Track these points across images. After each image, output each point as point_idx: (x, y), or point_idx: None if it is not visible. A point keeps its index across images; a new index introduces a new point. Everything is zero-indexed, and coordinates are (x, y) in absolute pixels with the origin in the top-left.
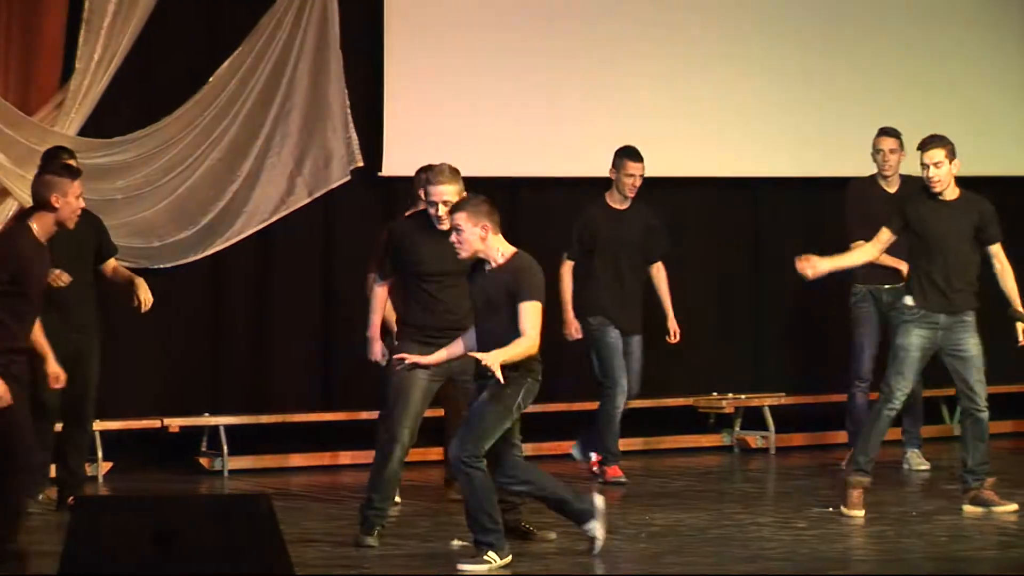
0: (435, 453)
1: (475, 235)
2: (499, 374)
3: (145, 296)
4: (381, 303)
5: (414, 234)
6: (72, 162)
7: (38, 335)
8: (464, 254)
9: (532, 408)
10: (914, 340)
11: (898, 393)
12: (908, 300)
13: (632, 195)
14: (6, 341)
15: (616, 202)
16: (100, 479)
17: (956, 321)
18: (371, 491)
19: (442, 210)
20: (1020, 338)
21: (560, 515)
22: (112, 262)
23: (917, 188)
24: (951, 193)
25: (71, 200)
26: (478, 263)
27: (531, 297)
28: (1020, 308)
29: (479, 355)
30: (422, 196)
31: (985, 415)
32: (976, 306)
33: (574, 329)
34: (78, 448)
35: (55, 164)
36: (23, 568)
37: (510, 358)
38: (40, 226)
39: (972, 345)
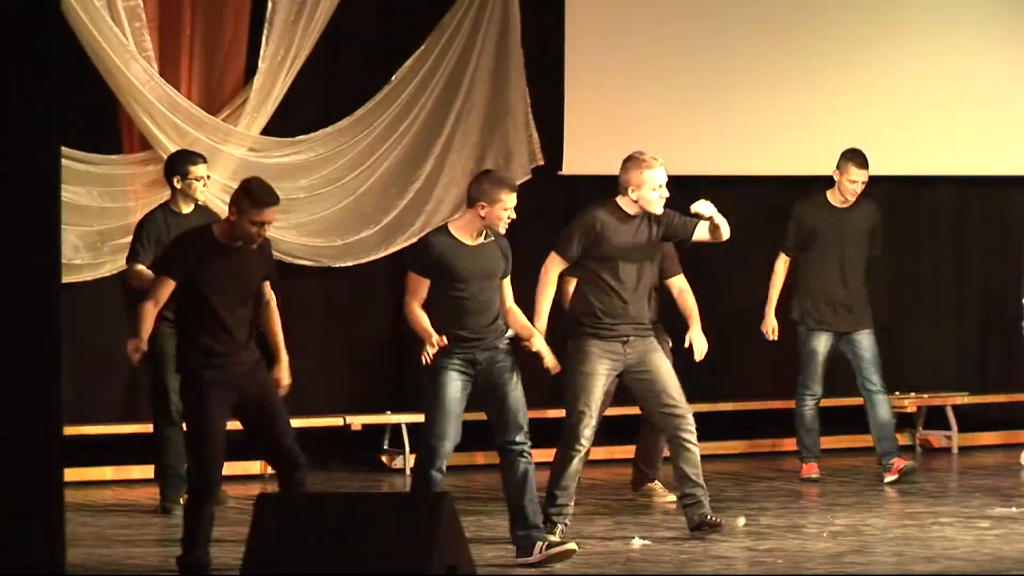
0: (622, 451)
1: None
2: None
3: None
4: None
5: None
6: (202, 164)
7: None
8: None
9: (735, 405)
10: None
11: None
12: None
13: (852, 199)
14: (214, 345)
15: (837, 200)
16: (266, 474)
17: None
18: (553, 488)
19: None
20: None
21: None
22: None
23: None
24: None
25: (245, 224)
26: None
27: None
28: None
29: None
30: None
31: None
32: None
33: (771, 329)
34: None
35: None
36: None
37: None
38: (220, 232)
39: None
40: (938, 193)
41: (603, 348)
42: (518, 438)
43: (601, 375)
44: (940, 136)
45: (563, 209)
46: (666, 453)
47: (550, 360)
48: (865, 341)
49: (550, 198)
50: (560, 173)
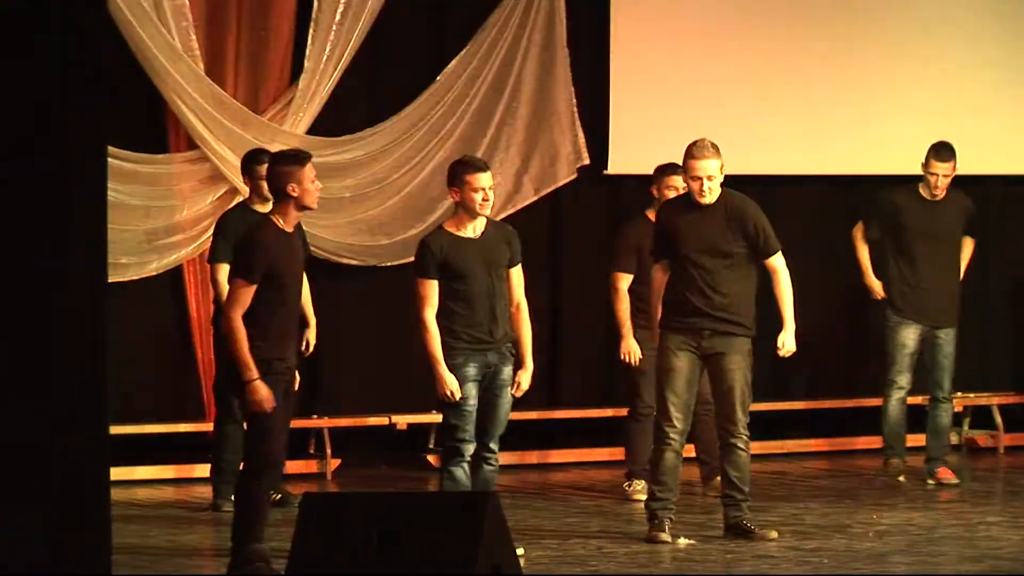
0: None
1: None
2: None
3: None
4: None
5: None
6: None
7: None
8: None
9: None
10: None
11: None
12: None
13: (940, 193)
14: (267, 340)
15: (927, 193)
16: (329, 476)
17: None
18: (652, 484)
19: (706, 185)
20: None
21: None
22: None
23: None
24: None
25: (307, 185)
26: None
27: None
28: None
29: None
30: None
31: None
32: None
33: (878, 288)
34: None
35: (282, 155)
36: (270, 568)
37: None
38: (284, 217)
39: None
40: (987, 191)
41: (681, 341)
42: (491, 444)
43: (682, 369)
44: (988, 136)
45: (608, 209)
46: None
47: (522, 389)
48: (946, 341)
49: (595, 198)
50: (605, 173)
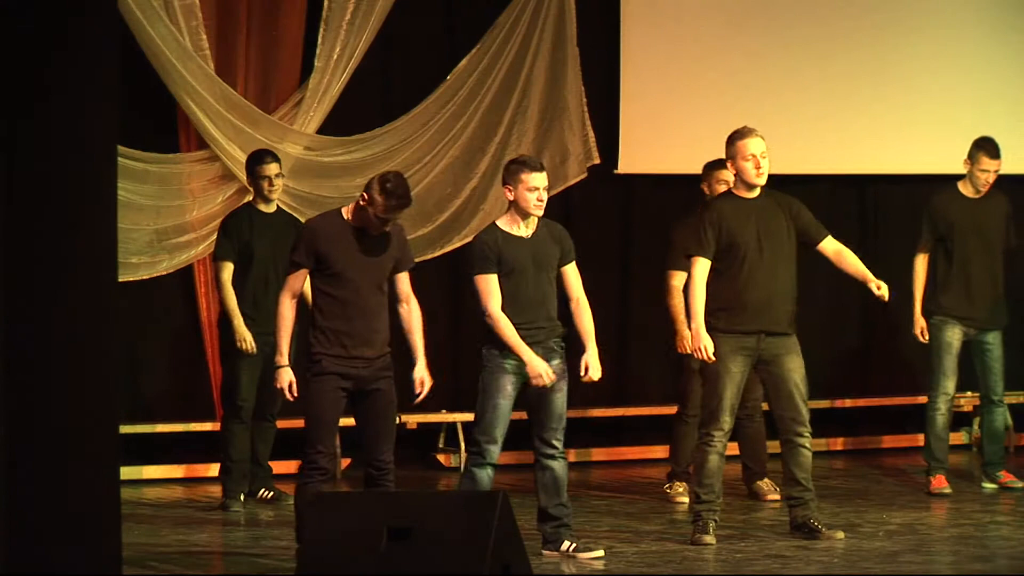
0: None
1: None
2: None
3: None
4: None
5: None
6: (271, 163)
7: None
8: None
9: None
10: None
11: None
12: None
13: (985, 190)
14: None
15: (970, 192)
16: (338, 475)
17: None
18: (696, 487)
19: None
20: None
21: None
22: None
23: None
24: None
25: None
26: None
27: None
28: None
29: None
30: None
31: None
32: None
33: (921, 330)
34: (266, 442)
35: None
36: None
37: None
38: (350, 212)
39: None
40: (1016, 191)
41: (735, 343)
42: (553, 441)
43: (735, 372)
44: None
45: (618, 208)
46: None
47: (595, 372)
48: (995, 344)
49: (605, 197)
50: (616, 172)
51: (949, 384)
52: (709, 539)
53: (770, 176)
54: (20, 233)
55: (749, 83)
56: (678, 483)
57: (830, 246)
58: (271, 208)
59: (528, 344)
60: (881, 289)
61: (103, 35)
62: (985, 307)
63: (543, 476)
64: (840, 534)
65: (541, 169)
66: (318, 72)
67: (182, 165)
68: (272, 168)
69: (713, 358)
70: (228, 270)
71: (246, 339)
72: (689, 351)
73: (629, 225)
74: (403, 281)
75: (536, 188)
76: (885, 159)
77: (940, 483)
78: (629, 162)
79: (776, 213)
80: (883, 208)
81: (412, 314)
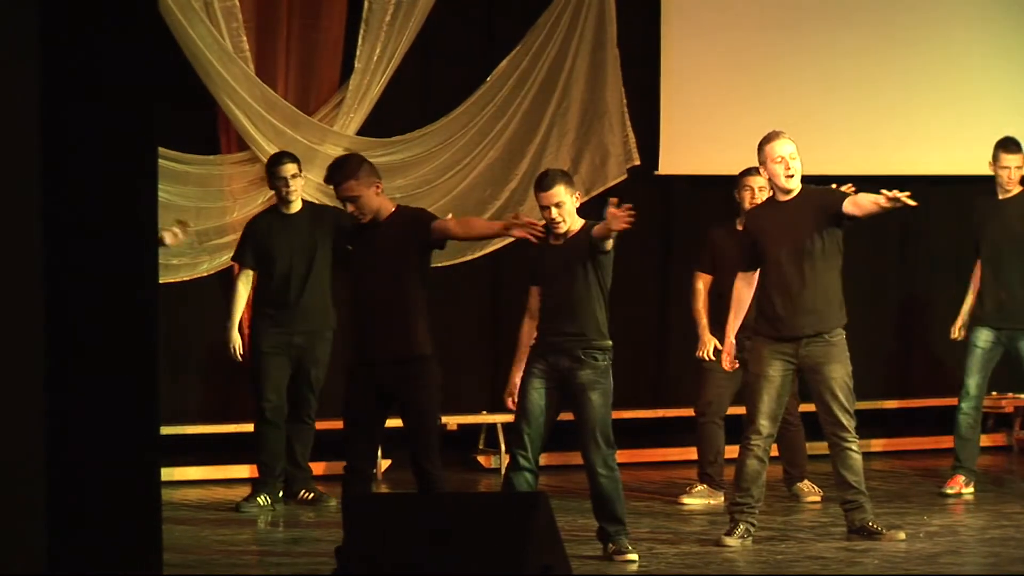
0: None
1: None
2: None
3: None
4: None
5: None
6: (288, 164)
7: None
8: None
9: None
10: None
11: None
12: None
13: (1011, 188)
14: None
15: (1000, 192)
16: (379, 476)
17: None
18: (734, 489)
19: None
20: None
21: None
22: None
23: None
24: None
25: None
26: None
27: None
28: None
29: None
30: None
31: None
32: None
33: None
34: (303, 443)
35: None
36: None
37: None
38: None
39: None
40: None
41: (776, 350)
42: (592, 455)
43: (773, 377)
44: None
45: (659, 209)
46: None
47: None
48: None
49: (646, 198)
50: (656, 173)
51: (971, 384)
52: (731, 541)
53: (809, 178)
54: (60, 234)
55: (788, 85)
56: (699, 485)
57: (848, 207)
58: (292, 209)
59: (557, 356)
60: (900, 197)
61: (143, 36)
62: (1016, 308)
63: (592, 491)
64: (901, 534)
65: (548, 188)
66: (358, 73)
67: (223, 167)
68: (288, 169)
69: (712, 357)
70: (244, 272)
71: (233, 345)
72: (701, 353)
73: (669, 226)
74: (440, 228)
75: (547, 207)
76: (926, 160)
77: (953, 483)
78: (669, 163)
79: (810, 214)
80: (923, 210)
81: (463, 223)
